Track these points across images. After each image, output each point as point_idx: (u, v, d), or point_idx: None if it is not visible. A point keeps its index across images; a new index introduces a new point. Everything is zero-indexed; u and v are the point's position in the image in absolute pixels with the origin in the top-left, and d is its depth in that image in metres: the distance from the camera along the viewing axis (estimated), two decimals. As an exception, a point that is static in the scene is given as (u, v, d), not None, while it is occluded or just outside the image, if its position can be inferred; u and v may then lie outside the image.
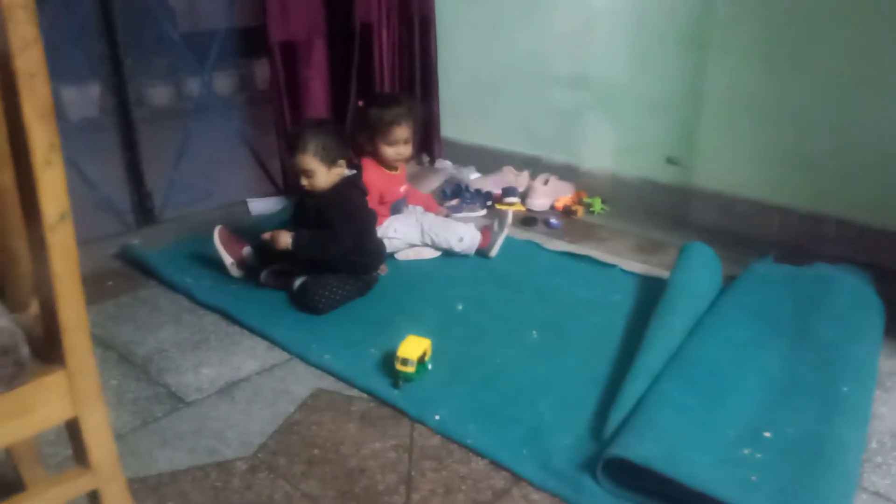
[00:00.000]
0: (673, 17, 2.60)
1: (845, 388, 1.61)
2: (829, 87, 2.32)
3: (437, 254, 2.42)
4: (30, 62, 0.82)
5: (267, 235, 2.11)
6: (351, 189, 2.17)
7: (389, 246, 2.35)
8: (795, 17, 2.34)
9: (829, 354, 1.74)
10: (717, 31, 2.51)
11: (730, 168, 2.60)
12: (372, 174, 2.35)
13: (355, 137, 2.38)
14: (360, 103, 2.39)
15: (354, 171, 2.20)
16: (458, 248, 2.39)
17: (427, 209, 2.59)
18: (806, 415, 1.54)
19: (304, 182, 2.12)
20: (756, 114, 2.49)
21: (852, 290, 2.01)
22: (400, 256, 2.40)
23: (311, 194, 2.15)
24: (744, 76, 2.48)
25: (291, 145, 2.12)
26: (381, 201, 2.40)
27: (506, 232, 2.46)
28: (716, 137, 2.62)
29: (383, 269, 2.29)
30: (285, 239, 2.07)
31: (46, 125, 0.85)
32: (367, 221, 2.22)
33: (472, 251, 2.41)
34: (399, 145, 2.37)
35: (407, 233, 2.40)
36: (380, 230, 2.34)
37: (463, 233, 2.40)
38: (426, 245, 2.42)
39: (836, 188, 2.38)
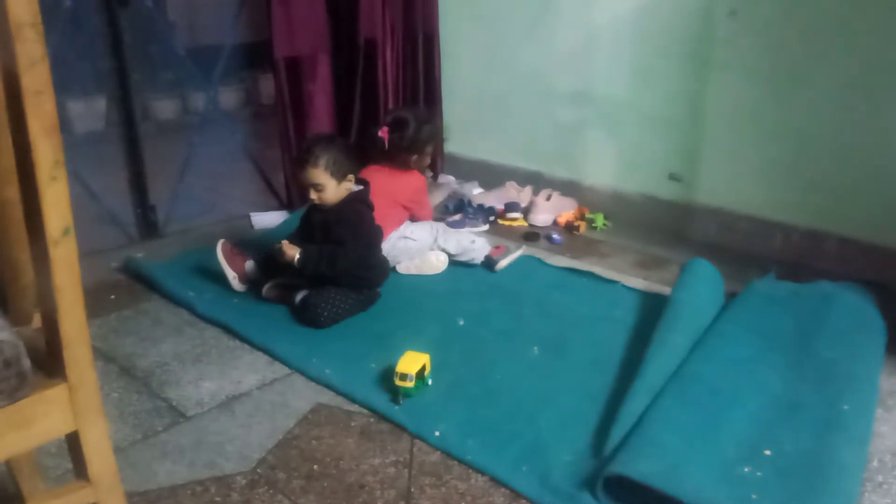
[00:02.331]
0: (675, 35, 2.62)
1: (846, 407, 1.61)
2: (830, 105, 2.32)
3: (440, 269, 2.44)
4: (37, 80, 0.84)
5: (279, 246, 2.12)
6: (359, 204, 2.19)
7: (405, 248, 2.39)
8: (797, 36, 2.35)
9: (830, 372, 1.74)
10: (718, 49, 2.52)
11: (731, 185, 2.61)
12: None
13: (407, 154, 2.51)
14: (384, 133, 2.48)
15: (361, 187, 2.21)
16: (470, 248, 2.45)
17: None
18: (806, 433, 1.54)
19: (314, 196, 2.13)
20: (758, 131, 2.50)
21: (854, 307, 2.01)
22: (402, 270, 2.42)
23: (318, 208, 2.16)
24: (745, 93, 2.49)
25: (301, 159, 2.13)
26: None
27: (517, 254, 2.50)
28: (718, 154, 2.62)
29: None
30: (292, 252, 2.08)
31: (52, 141, 0.86)
32: (374, 237, 2.23)
33: (483, 255, 2.45)
34: None
35: (422, 236, 2.45)
36: (397, 232, 2.40)
37: (474, 237, 2.51)
38: (440, 248, 2.46)
39: (838, 205, 2.38)
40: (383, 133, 2.46)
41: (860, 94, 2.26)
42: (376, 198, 2.32)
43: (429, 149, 2.57)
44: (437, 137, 2.61)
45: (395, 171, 2.49)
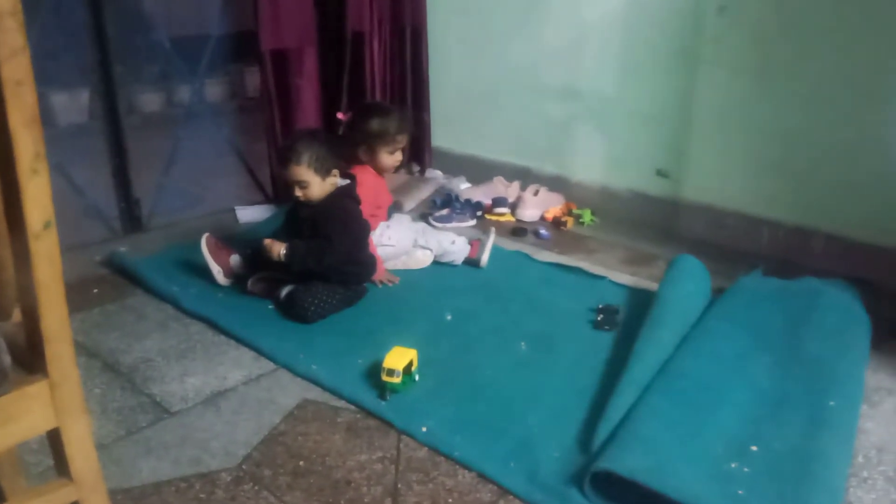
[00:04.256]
0: (664, 31, 2.62)
1: (832, 403, 1.62)
2: (818, 102, 2.33)
3: (426, 264, 2.43)
4: (17, 70, 0.82)
5: (268, 241, 2.09)
6: (346, 199, 2.17)
7: (383, 254, 2.35)
8: (786, 33, 2.36)
9: (816, 368, 1.74)
10: (707, 45, 2.52)
11: (719, 181, 2.62)
12: (370, 180, 2.36)
13: (352, 147, 2.36)
14: (342, 115, 2.39)
15: (348, 181, 2.19)
16: (450, 250, 2.41)
17: None
18: (793, 429, 1.54)
19: (299, 193, 2.11)
20: (746, 128, 2.50)
21: (840, 304, 2.02)
22: (389, 266, 2.40)
23: (305, 204, 2.14)
24: (734, 90, 2.49)
25: (284, 157, 2.10)
26: (378, 206, 2.42)
27: (492, 240, 2.47)
28: (706, 150, 2.63)
29: (394, 279, 2.31)
30: (278, 248, 2.07)
31: (32, 133, 0.84)
32: (362, 232, 2.22)
33: (463, 257, 2.42)
34: (398, 153, 2.40)
35: (400, 240, 2.41)
36: (374, 237, 2.34)
37: (454, 237, 2.46)
38: (421, 248, 2.43)
39: (825, 203, 2.39)
40: (342, 116, 2.37)
41: (848, 92, 2.27)
42: None
43: (381, 148, 2.34)
44: (388, 139, 2.34)
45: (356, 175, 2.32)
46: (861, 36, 2.22)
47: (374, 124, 2.33)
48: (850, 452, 1.52)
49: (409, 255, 2.42)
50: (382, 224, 2.42)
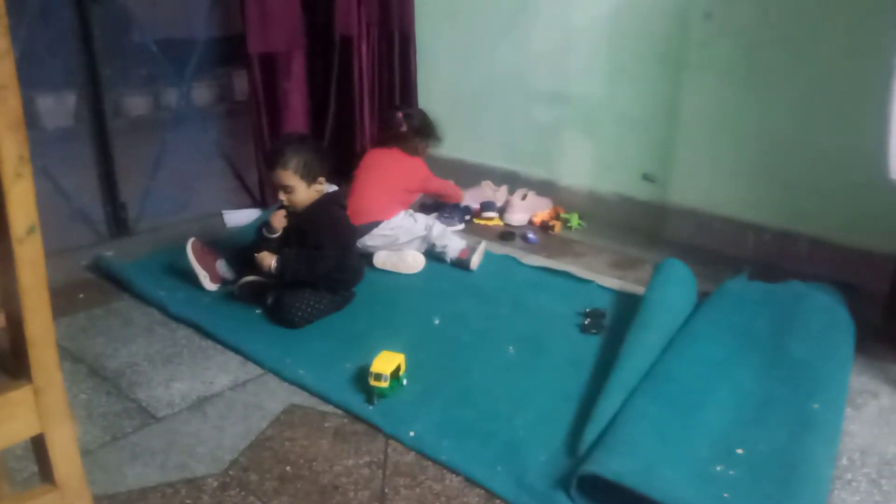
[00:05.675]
0: (650, 36, 2.63)
1: (816, 406, 1.63)
2: (803, 107, 2.35)
3: (415, 270, 2.43)
4: (1, 74, 0.81)
5: (258, 255, 2.09)
6: (334, 207, 2.17)
7: (409, 227, 2.47)
8: (772, 39, 2.38)
9: (801, 371, 1.76)
10: (694, 51, 2.54)
11: (705, 186, 2.63)
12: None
13: (414, 140, 2.67)
14: (400, 114, 2.67)
15: (336, 188, 2.19)
16: (448, 235, 2.50)
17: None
18: (778, 432, 1.55)
19: (283, 197, 2.11)
20: (732, 133, 2.52)
21: (824, 307, 2.03)
22: (378, 263, 2.41)
23: (292, 212, 2.14)
24: (720, 95, 2.51)
25: (271, 160, 2.10)
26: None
27: (483, 247, 2.50)
28: (692, 155, 2.65)
29: None
30: (270, 261, 2.06)
31: (16, 137, 0.84)
32: (350, 238, 2.22)
33: (456, 251, 2.45)
34: None
35: (420, 218, 2.54)
36: (394, 220, 2.46)
37: (453, 233, 2.58)
38: (424, 226, 2.51)
39: (810, 207, 2.41)
40: (400, 116, 2.63)
41: (833, 98, 2.29)
42: (382, 183, 2.48)
43: (431, 140, 2.75)
44: (437, 133, 2.79)
45: (400, 160, 2.60)
46: (847, 43, 2.24)
47: (431, 121, 2.75)
48: (834, 455, 1.53)
49: (399, 257, 2.43)
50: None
